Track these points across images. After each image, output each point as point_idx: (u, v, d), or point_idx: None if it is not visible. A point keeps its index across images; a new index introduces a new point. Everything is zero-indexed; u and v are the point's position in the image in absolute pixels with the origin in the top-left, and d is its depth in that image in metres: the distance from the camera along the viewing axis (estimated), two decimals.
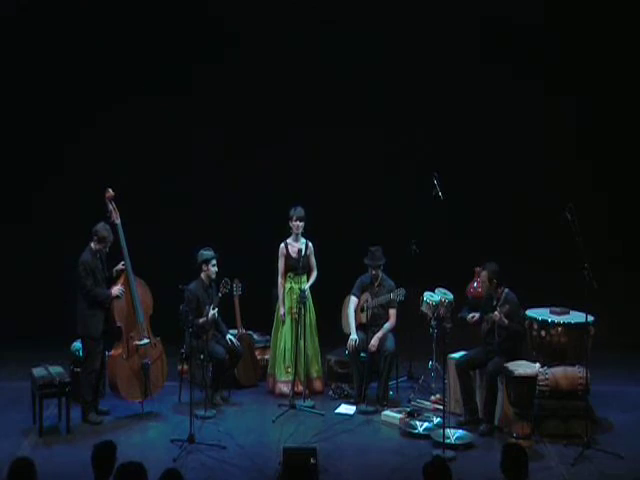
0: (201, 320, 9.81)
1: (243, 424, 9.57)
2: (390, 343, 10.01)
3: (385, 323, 10.07)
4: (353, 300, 10.22)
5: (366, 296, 10.16)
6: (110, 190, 9.64)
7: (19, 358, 10.99)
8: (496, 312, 9.31)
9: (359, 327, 10.16)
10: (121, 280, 9.65)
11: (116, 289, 9.57)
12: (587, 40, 12.00)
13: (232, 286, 10.29)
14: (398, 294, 10.00)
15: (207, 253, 10.05)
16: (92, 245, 9.47)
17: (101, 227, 9.48)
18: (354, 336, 10.03)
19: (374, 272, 10.09)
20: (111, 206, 9.65)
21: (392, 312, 10.10)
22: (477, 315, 9.63)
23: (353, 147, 12.12)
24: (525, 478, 6.20)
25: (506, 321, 9.28)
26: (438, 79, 12.05)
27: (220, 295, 10.03)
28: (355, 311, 10.18)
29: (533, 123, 12.14)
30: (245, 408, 10.07)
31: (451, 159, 11.77)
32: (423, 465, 6.23)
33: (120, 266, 9.67)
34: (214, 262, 10.03)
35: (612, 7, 11.95)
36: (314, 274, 10.44)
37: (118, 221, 9.64)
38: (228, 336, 10.09)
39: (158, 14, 11.97)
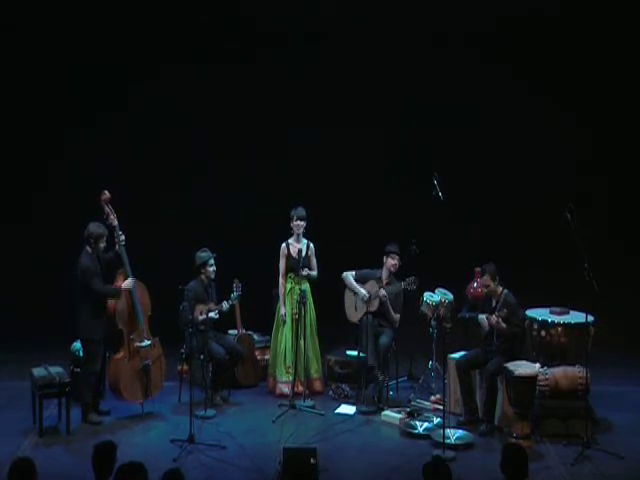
0: (201, 317, 9.88)
1: (243, 424, 9.56)
2: (386, 338, 9.99)
3: (389, 320, 10.08)
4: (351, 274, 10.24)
5: (373, 286, 10.11)
6: (106, 192, 9.55)
7: (19, 358, 11.00)
8: (494, 316, 9.31)
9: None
10: (121, 279, 9.61)
11: (127, 282, 9.52)
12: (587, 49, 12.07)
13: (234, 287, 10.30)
14: (410, 282, 9.96)
15: (203, 255, 10.04)
16: (88, 248, 9.38)
17: (92, 227, 9.35)
18: (364, 291, 10.08)
19: (394, 262, 10.07)
20: (107, 208, 9.55)
21: (396, 318, 10.13)
22: (474, 314, 9.62)
23: (353, 147, 12.14)
24: (525, 478, 6.20)
25: (504, 325, 9.28)
26: (438, 79, 12.07)
27: (236, 295, 10.10)
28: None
29: (533, 123, 12.15)
30: (245, 408, 10.07)
31: (451, 159, 11.78)
32: (423, 465, 6.23)
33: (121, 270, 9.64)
34: (211, 262, 10.05)
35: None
36: (313, 275, 10.40)
37: (115, 223, 9.56)
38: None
39: (156, 14, 12.01)
